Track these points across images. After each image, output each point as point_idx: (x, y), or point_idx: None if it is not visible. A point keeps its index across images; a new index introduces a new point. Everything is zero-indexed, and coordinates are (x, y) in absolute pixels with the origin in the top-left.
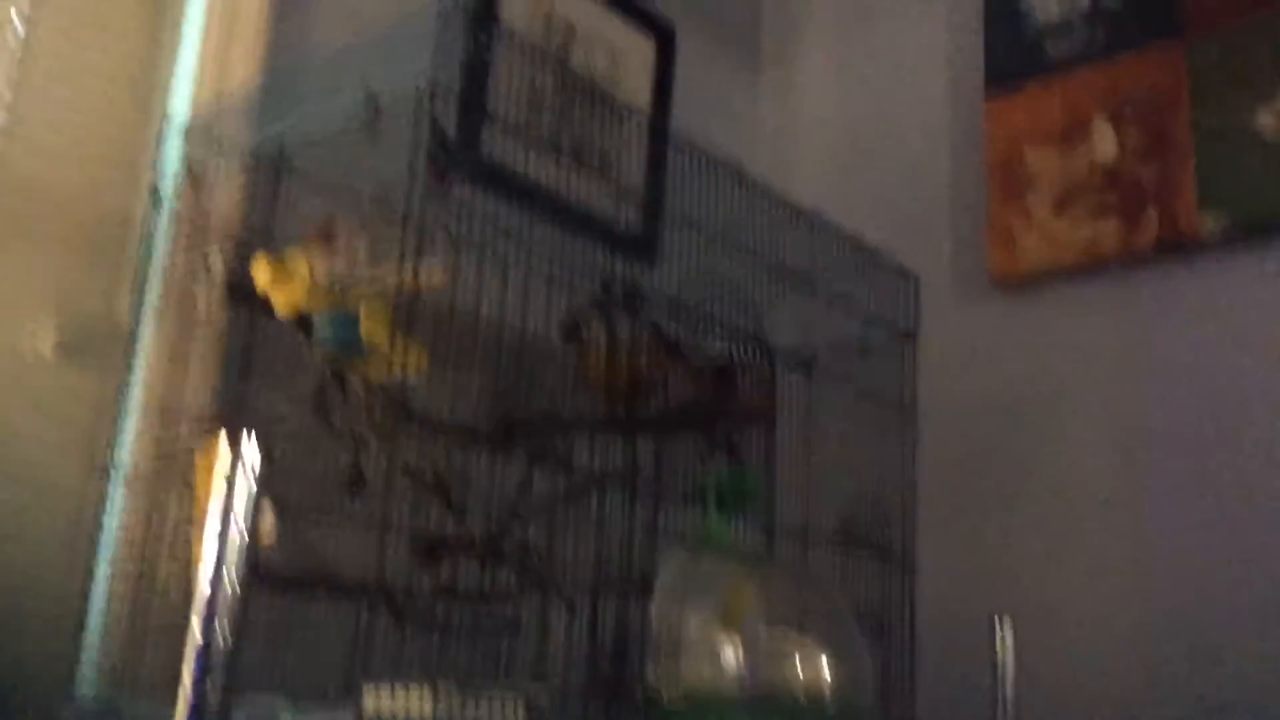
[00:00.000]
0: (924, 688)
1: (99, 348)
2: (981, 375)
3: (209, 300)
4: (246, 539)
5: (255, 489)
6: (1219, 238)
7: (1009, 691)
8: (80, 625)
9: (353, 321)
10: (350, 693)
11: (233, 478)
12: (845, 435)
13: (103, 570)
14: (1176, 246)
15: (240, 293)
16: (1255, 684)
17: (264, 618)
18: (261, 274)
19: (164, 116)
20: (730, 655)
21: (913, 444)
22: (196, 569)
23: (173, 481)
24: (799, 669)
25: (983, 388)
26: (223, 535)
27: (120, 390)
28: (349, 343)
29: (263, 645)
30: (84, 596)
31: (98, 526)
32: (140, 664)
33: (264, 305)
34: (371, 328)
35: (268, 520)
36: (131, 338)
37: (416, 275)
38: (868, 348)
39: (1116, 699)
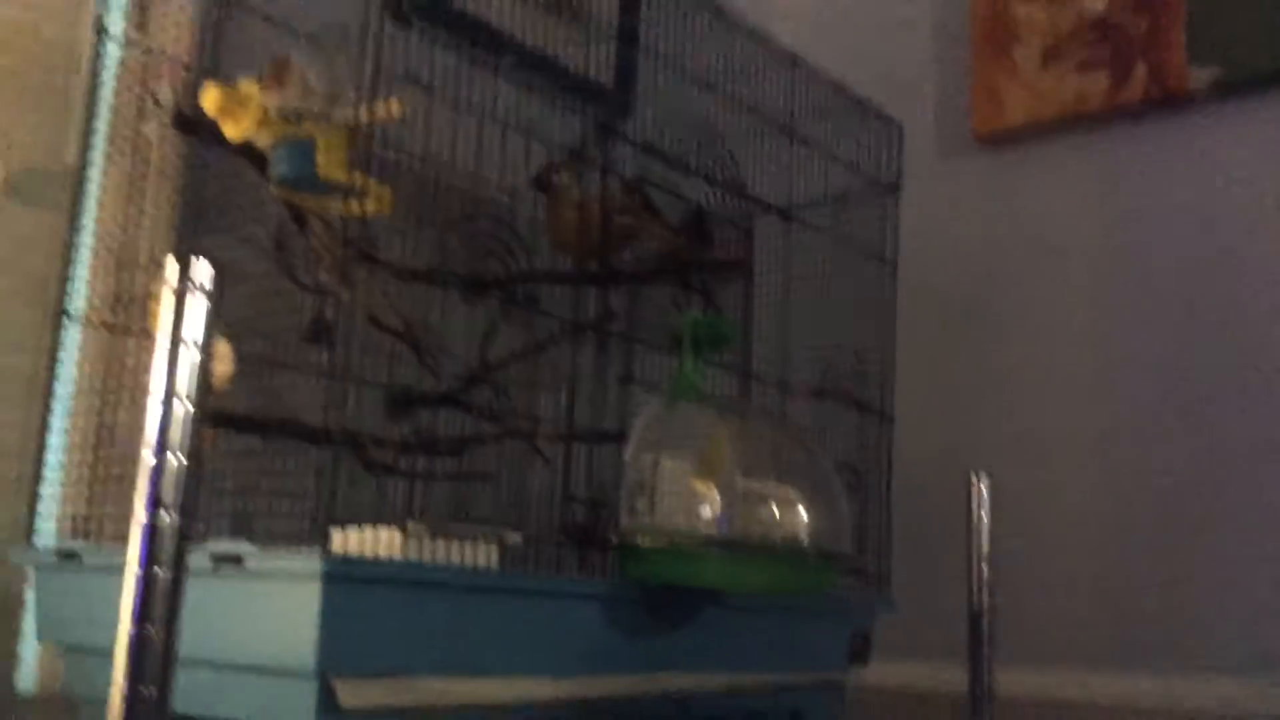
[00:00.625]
0: (899, 540)
1: (49, 189)
2: (964, 230)
3: (160, 136)
4: (199, 365)
5: (209, 309)
6: (1208, 91)
7: (984, 547)
8: (37, 475)
9: (308, 151)
10: (317, 536)
11: (182, 298)
12: (824, 287)
13: (60, 420)
14: (1165, 101)
15: (190, 124)
16: (1225, 547)
17: (231, 467)
18: (210, 100)
19: None
20: (706, 503)
21: (893, 297)
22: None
23: (130, 327)
24: (776, 516)
25: (964, 243)
26: (172, 359)
27: (72, 233)
28: (305, 175)
29: (231, 497)
30: (41, 446)
31: (53, 375)
32: (101, 514)
33: (216, 137)
34: (328, 160)
35: (225, 357)
36: (81, 178)
37: (373, 108)
38: (848, 198)
39: (1088, 554)
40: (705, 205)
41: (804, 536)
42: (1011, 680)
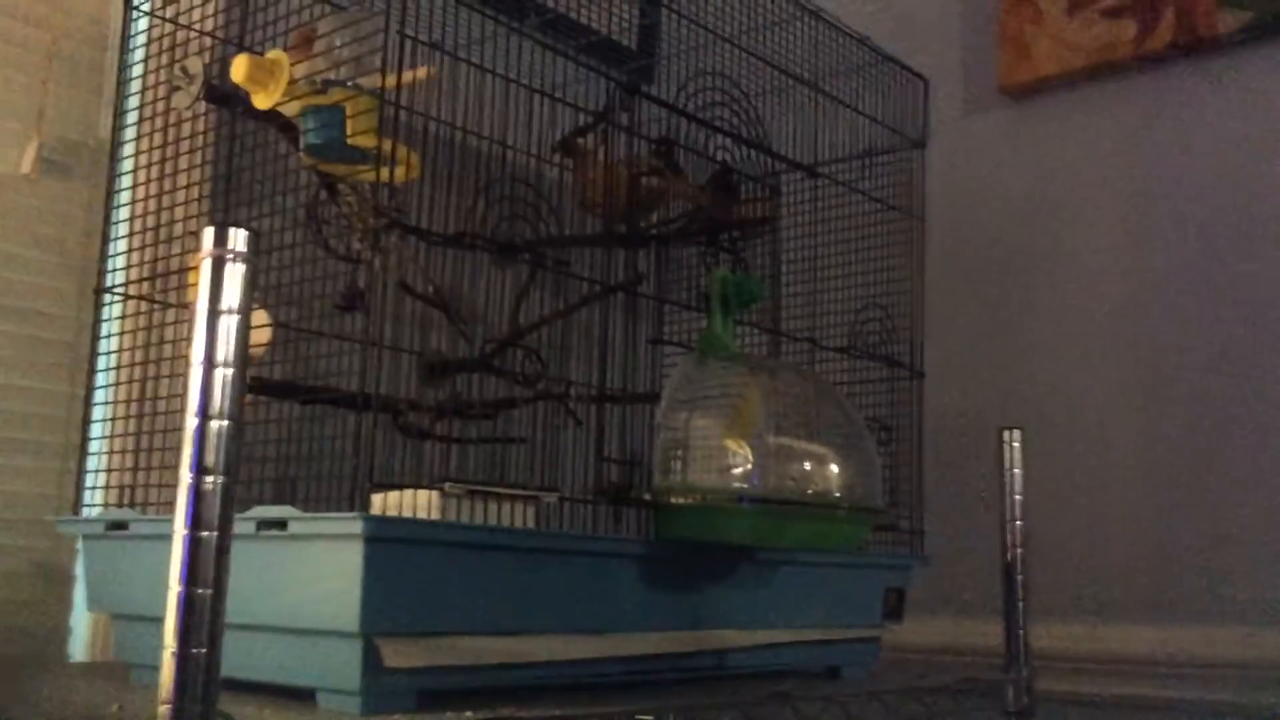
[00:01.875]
0: (932, 497)
1: (84, 166)
2: (991, 184)
3: (191, 109)
4: (239, 329)
5: (246, 275)
6: (1238, 35)
7: (1018, 503)
8: (84, 447)
9: (338, 119)
10: (357, 500)
11: (220, 265)
12: (852, 242)
13: (103, 393)
14: (1194, 46)
15: (220, 96)
16: (1267, 499)
17: (270, 434)
18: (240, 70)
19: None
20: (738, 460)
21: (921, 252)
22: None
23: (168, 299)
24: (808, 472)
25: (992, 197)
26: (212, 325)
27: (108, 207)
28: (335, 143)
29: (271, 464)
30: (86, 419)
31: (95, 348)
32: (146, 484)
33: (246, 108)
34: (357, 127)
35: (262, 325)
36: (114, 152)
37: (401, 75)
38: (875, 153)
39: (1124, 508)
40: (731, 163)
41: (836, 491)
42: (1047, 634)
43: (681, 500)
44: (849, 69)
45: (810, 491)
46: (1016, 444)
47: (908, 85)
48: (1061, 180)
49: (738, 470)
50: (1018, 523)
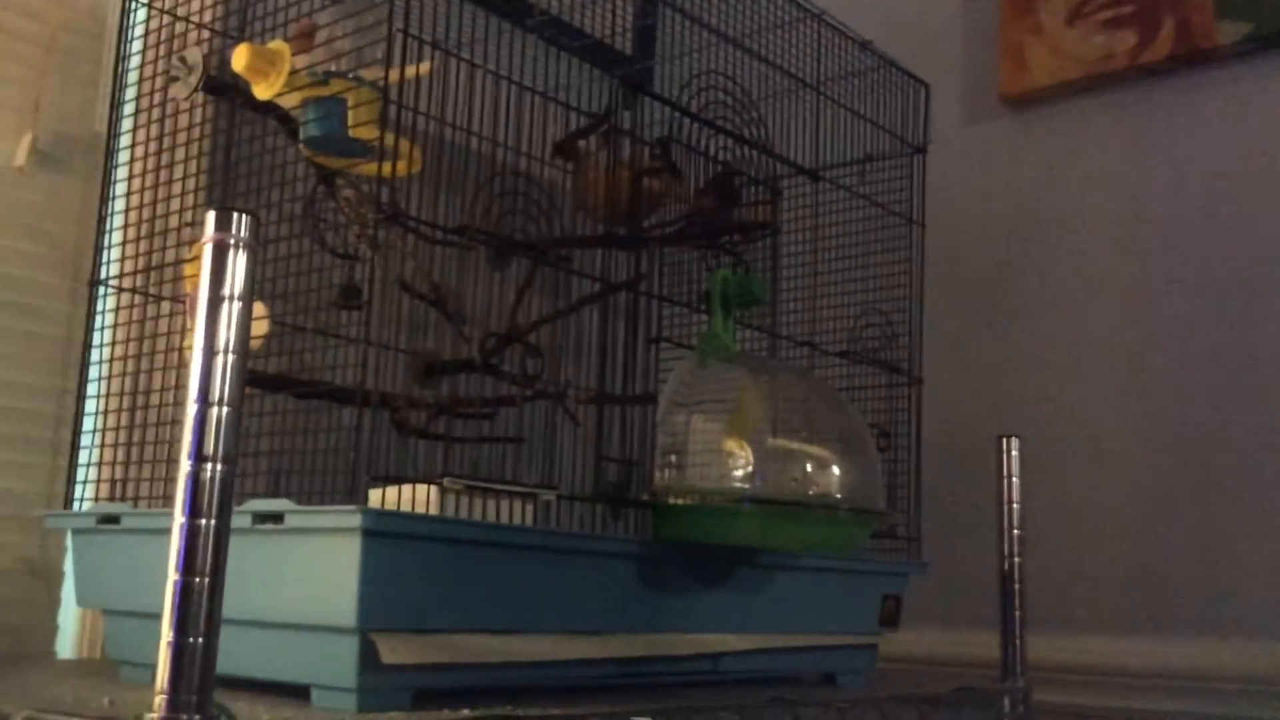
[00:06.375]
0: (929, 504)
1: (79, 159)
2: (991, 192)
3: (189, 101)
4: (240, 316)
5: (248, 261)
6: (1237, 47)
7: (1016, 511)
8: (75, 441)
9: (339, 111)
10: (353, 494)
11: (222, 250)
12: (852, 247)
13: (95, 387)
14: (1193, 58)
15: (218, 88)
16: (1265, 511)
17: (264, 427)
18: (241, 59)
19: None
20: (738, 461)
21: (921, 258)
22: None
23: (163, 293)
24: (809, 474)
25: (992, 204)
26: (213, 311)
27: (103, 200)
28: (336, 135)
29: (266, 458)
30: (78, 413)
31: (88, 342)
32: (139, 477)
33: (246, 100)
34: (358, 116)
35: (261, 316)
36: (111, 145)
37: (403, 68)
38: (875, 158)
39: (1122, 518)
40: (731, 165)
41: (838, 493)
42: (1043, 646)
43: (681, 501)
44: (851, 73)
45: (811, 493)
46: (1015, 452)
47: (909, 91)
48: (1061, 189)
49: (738, 471)
50: (1016, 531)
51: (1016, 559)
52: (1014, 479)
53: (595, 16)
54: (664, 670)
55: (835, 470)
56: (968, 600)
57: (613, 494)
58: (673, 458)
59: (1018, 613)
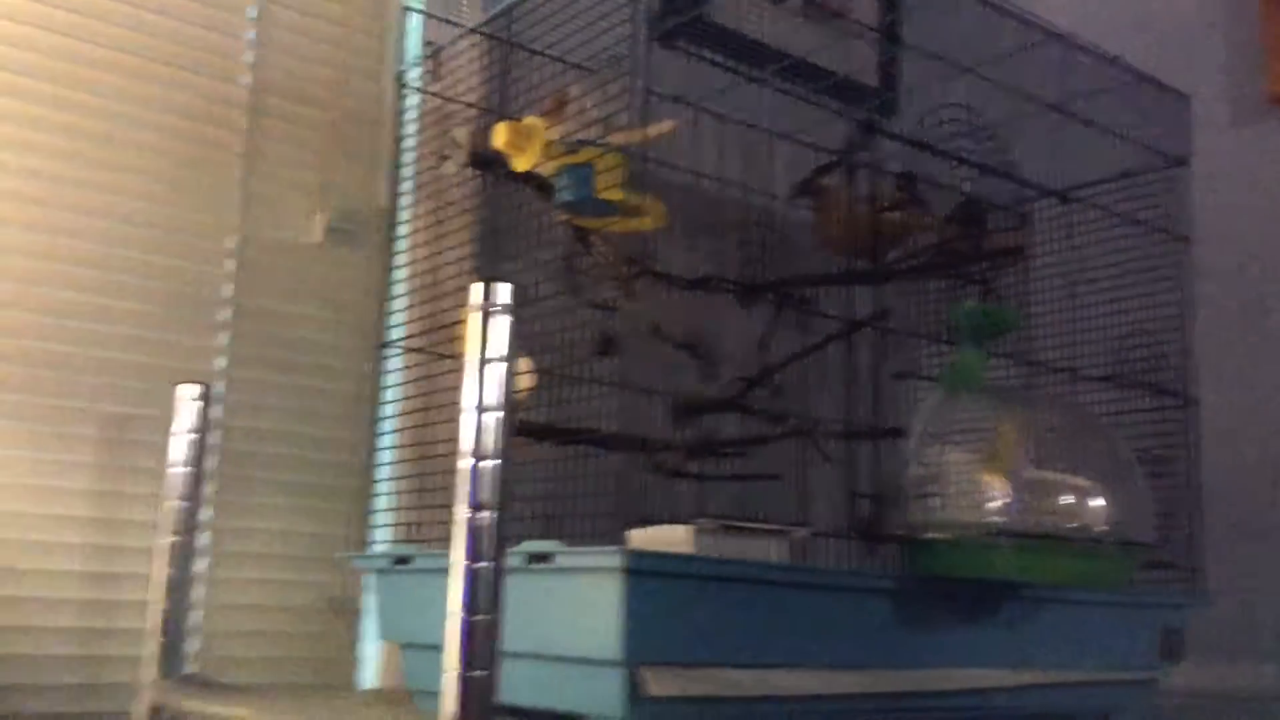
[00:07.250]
0: (1212, 532)
1: (365, 232)
2: (1261, 203)
3: (458, 175)
4: (506, 376)
5: (510, 326)
6: None
7: None
8: (369, 489)
9: (588, 176)
10: (616, 535)
11: (487, 318)
12: (1111, 268)
13: (387, 439)
14: None
15: (483, 162)
16: None
17: (535, 474)
18: (500, 136)
19: (400, 3)
20: (994, 493)
21: (1190, 274)
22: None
23: (441, 351)
24: (1070, 506)
25: (1262, 217)
26: (481, 373)
27: (388, 269)
28: (586, 198)
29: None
30: (371, 463)
31: (378, 397)
32: (428, 520)
33: (506, 171)
34: (606, 182)
35: (526, 371)
36: (392, 219)
37: (646, 129)
38: (1133, 174)
39: None
40: (977, 194)
41: (1100, 526)
42: None
43: (936, 535)
44: (1102, 89)
45: (1071, 526)
46: None
47: (1167, 103)
48: None
49: (994, 504)
50: None
51: None
52: None
53: (838, 55)
54: (931, 705)
55: (1098, 501)
56: (1255, 631)
57: (867, 529)
58: (926, 491)
59: None
